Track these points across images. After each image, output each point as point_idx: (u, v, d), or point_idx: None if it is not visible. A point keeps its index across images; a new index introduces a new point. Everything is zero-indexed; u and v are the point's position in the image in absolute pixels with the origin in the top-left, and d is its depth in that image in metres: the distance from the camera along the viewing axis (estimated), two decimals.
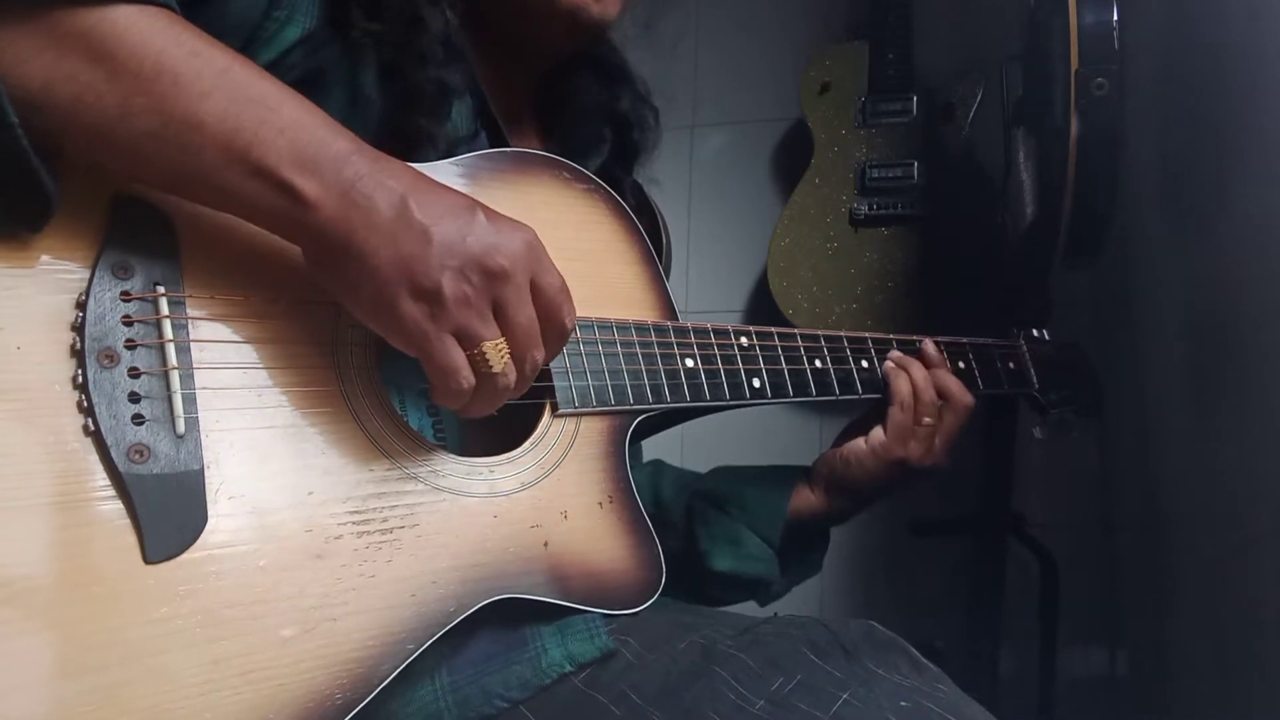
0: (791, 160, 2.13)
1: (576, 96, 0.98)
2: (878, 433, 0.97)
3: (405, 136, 0.78)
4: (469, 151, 0.81)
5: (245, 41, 0.72)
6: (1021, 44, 1.49)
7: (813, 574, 1.06)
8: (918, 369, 0.99)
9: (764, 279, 2.00)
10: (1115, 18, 1.18)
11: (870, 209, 1.93)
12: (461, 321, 0.63)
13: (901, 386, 0.97)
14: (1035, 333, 1.18)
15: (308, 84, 0.74)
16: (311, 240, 0.63)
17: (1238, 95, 1.24)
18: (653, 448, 1.12)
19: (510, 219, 0.67)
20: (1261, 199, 1.17)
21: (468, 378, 0.64)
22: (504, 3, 0.88)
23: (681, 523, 1.02)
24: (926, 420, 0.97)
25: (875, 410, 1.00)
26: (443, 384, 0.65)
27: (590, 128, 0.98)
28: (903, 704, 0.66)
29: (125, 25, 0.57)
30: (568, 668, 0.75)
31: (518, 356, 0.67)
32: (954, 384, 1.00)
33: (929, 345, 1.02)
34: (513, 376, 0.67)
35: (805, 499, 1.01)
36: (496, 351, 0.65)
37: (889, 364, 0.99)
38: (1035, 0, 1.41)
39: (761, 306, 2.07)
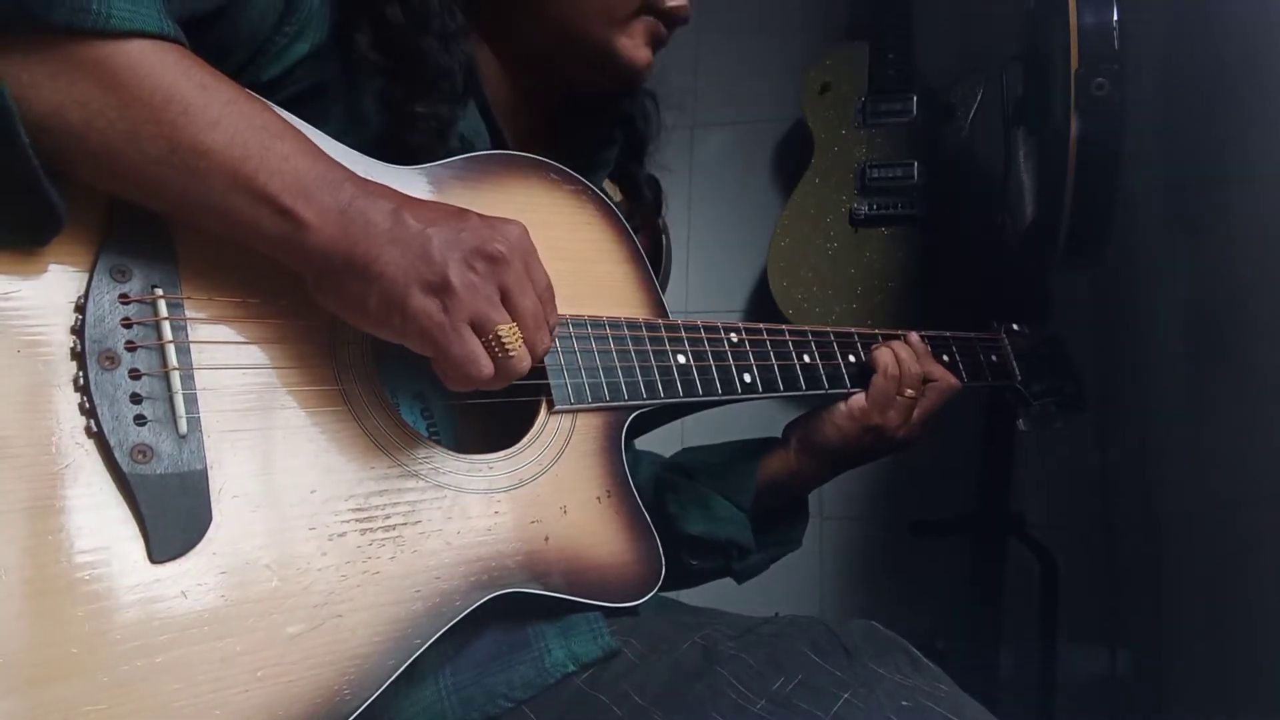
0: (791, 160, 2.13)
1: (596, 119, 0.98)
2: (859, 397, 0.98)
3: (413, 125, 0.79)
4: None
5: (254, 54, 0.73)
6: (1021, 44, 1.49)
7: (792, 549, 1.06)
8: (902, 347, 1.00)
9: (764, 279, 2.00)
10: (1115, 18, 1.18)
11: (870, 209, 1.93)
12: (474, 309, 0.65)
13: (884, 357, 0.98)
14: (1016, 326, 1.19)
15: (311, 98, 0.75)
16: (314, 263, 0.64)
17: (1238, 95, 1.24)
18: (652, 445, 1.12)
19: (500, 217, 0.69)
20: (1261, 199, 1.18)
21: (488, 365, 0.66)
22: (545, 42, 0.87)
23: (651, 497, 1.03)
24: (909, 392, 0.98)
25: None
26: (460, 374, 0.66)
27: (601, 140, 0.98)
28: (903, 703, 0.66)
29: (138, 57, 0.59)
30: (570, 668, 0.75)
31: (528, 340, 0.68)
32: (939, 369, 1.03)
33: (914, 336, 1.03)
34: (527, 360, 0.68)
35: (778, 460, 1.02)
36: (512, 335, 0.66)
37: (876, 343, 1.01)
38: (1035, 0, 1.41)
39: (761, 306, 2.07)
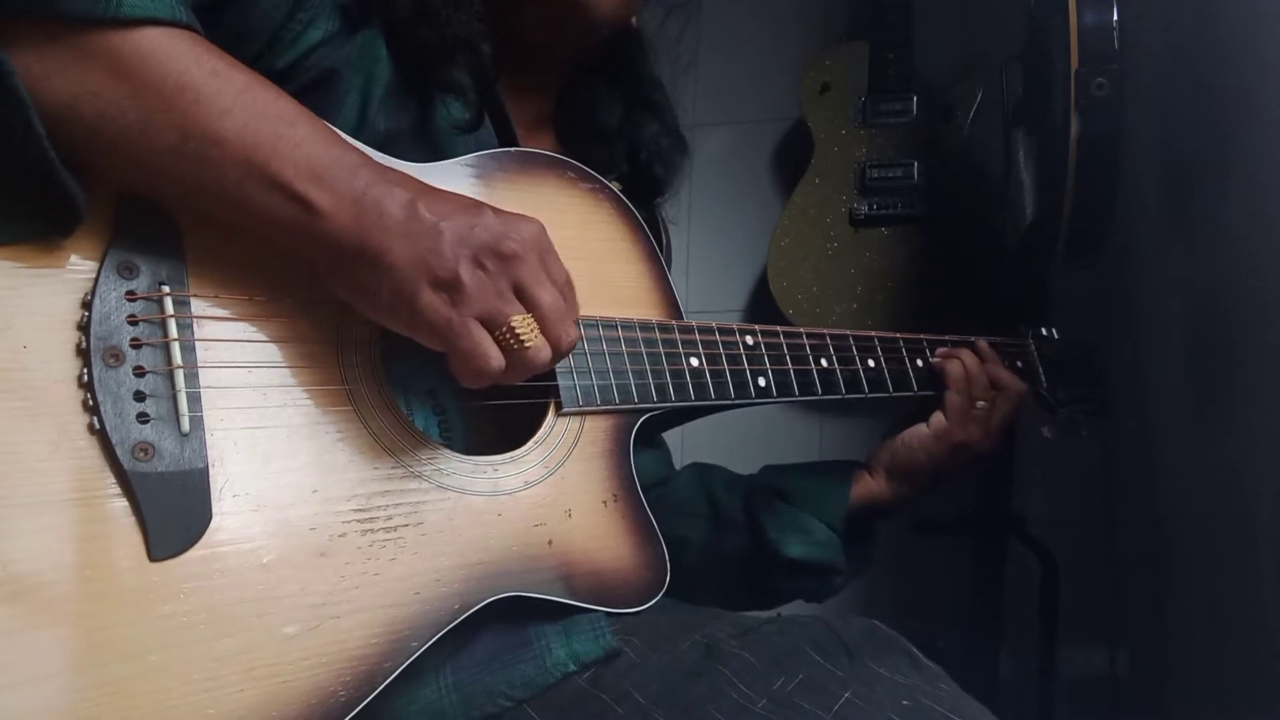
0: (791, 160, 2.13)
1: (594, 114, 0.99)
2: (939, 418, 0.99)
3: (430, 96, 0.81)
4: (473, 146, 0.82)
5: (268, 43, 0.73)
6: (1021, 44, 1.49)
7: (867, 569, 1.06)
8: (967, 355, 1.02)
9: (764, 279, 2.00)
10: (1115, 18, 1.18)
11: (870, 209, 1.93)
12: (483, 305, 0.65)
13: (954, 369, 1.00)
14: (1044, 331, 1.18)
15: (325, 87, 0.76)
16: (327, 250, 0.64)
17: (1238, 95, 1.24)
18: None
19: (517, 213, 0.69)
20: (1262, 198, 1.18)
21: (496, 358, 0.66)
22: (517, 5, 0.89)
23: (742, 518, 1.03)
24: (980, 404, 1.00)
25: (919, 405, 1.02)
26: (470, 368, 0.66)
27: (606, 151, 0.98)
28: (904, 702, 0.66)
29: (149, 45, 0.59)
30: (572, 667, 0.75)
31: (551, 334, 0.68)
32: (1005, 374, 1.04)
33: (982, 344, 1.05)
34: (546, 351, 0.68)
35: (866, 487, 1.02)
36: (526, 325, 0.66)
37: (939, 356, 1.02)
38: (1035, 0, 1.41)
39: (761, 306, 2.07)
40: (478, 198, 0.72)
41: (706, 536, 1.04)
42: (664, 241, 1.06)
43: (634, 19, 0.98)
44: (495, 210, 0.68)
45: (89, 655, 0.55)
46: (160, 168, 0.61)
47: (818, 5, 2.20)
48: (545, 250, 0.69)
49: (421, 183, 0.67)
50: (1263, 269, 1.16)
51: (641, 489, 1.05)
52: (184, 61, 0.60)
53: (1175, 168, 1.49)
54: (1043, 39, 1.34)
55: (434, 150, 0.81)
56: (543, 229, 0.69)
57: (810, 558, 0.99)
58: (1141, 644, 1.69)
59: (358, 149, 0.65)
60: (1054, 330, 1.19)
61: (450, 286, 0.64)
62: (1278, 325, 1.13)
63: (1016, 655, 1.71)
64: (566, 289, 0.70)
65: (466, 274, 0.64)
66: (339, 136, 0.65)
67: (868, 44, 1.99)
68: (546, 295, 0.67)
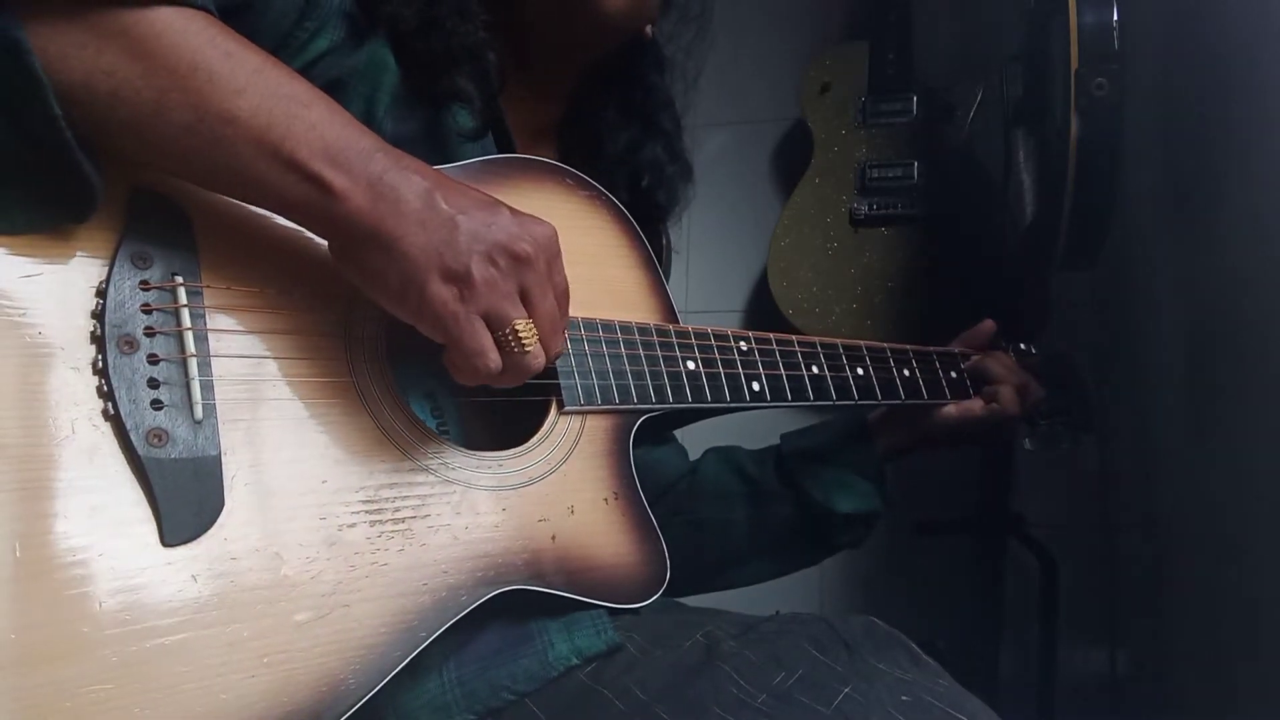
0: (791, 160, 2.13)
1: (598, 138, 0.99)
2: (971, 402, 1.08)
3: (435, 99, 0.81)
4: (480, 153, 0.83)
5: (274, 49, 0.73)
6: (1021, 44, 1.50)
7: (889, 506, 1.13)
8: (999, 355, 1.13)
9: (764, 279, 2.00)
10: (1115, 18, 1.18)
11: (870, 209, 1.93)
12: (490, 303, 0.65)
13: (993, 366, 1.10)
14: (1023, 346, 1.20)
15: (331, 94, 0.76)
16: (340, 232, 0.64)
17: (1238, 95, 1.24)
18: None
19: (532, 215, 0.69)
20: (1262, 199, 1.18)
21: (495, 359, 0.66)
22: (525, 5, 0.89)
23: (781, 488, 1.08)
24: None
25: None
26: (469, 366, 0.66)
27: (608, 179, 0.97)
28: (903, 698, 0.67)
29: (163, 24, 0.59)
30: (574, 662, 0.75)
31: (545, 342, 0.68)
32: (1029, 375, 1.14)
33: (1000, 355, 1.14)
34: (542, 357, 0.69)
35: (886, 439, 1.10)
36: (529, 331, 0.67)
37: (974, 359, 1.11)
38: (1035, 0, 1.42)
39: (761, 306, 2.08)
40: None
41: (750, 513, 1.08)
42: (665, 254, 1.07)
43: (649, 28, 0.98)
44: (511, 209, 0.68)
45: (102, 638, 0.55)
46: (174, 148, 0.61)
47: (818, 5, 2.20)
48: (554, 256, 0.69)
49: (439, 173, 0.67)
50: (1263, 269, 1.17)
51: (670, 483, 1.08)
52: (198, 41, 0.60)
53: (1175, 168, 1.50)
54: (1043, 39, 1.35)
55: (444, 156, 0.82)
56: (555, 234, 0.69)
57: (860, 509, 1.07)
58: (1141, 644, 1.69)
59: (373, 135, 0.65)
60: (1033, 346, 1.20)
61: (460, 280, 0.64)
62: (1277, 326, 1.13)
63: (1016, 655, 1.72)
64: (563, 298, 0.71)
65: (478, 270, 0.64)
66: (354, 120, 0.65)
67: (868, 44, 1.99)
68: (547, 304, 0.68)
